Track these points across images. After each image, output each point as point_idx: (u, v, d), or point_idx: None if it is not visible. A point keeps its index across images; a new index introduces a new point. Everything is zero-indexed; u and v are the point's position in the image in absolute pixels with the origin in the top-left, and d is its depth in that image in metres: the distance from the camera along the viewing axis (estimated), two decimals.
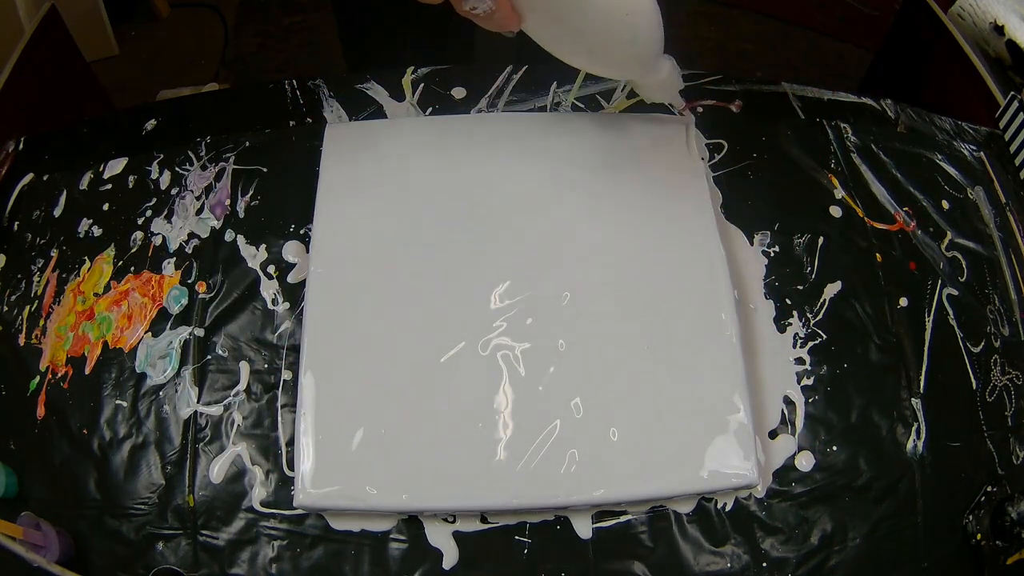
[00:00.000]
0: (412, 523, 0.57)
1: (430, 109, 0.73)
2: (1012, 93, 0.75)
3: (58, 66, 0.92)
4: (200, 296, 0.63)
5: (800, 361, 0.62)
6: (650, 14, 0.54)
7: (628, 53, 0.55)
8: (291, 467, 0.57)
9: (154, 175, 0.70)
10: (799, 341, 0.63)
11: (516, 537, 0.57)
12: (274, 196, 0.68)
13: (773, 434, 0.60)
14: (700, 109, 0.73)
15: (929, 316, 0.65)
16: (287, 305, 0.63)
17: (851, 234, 0.67)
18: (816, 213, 0.68)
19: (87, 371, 0.62)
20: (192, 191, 0.68)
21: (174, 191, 0.69)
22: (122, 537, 0.57)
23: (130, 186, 0.69)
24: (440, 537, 0.56)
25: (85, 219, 0.68)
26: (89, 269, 0.66)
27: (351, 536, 0.56)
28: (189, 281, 0.64)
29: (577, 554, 0.56)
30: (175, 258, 0.65)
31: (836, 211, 0.68)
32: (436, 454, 0.55)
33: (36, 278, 0.67)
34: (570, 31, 0.53)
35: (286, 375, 0.61)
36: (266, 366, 0.61)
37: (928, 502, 0.59)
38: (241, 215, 0.67)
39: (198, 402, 0.60)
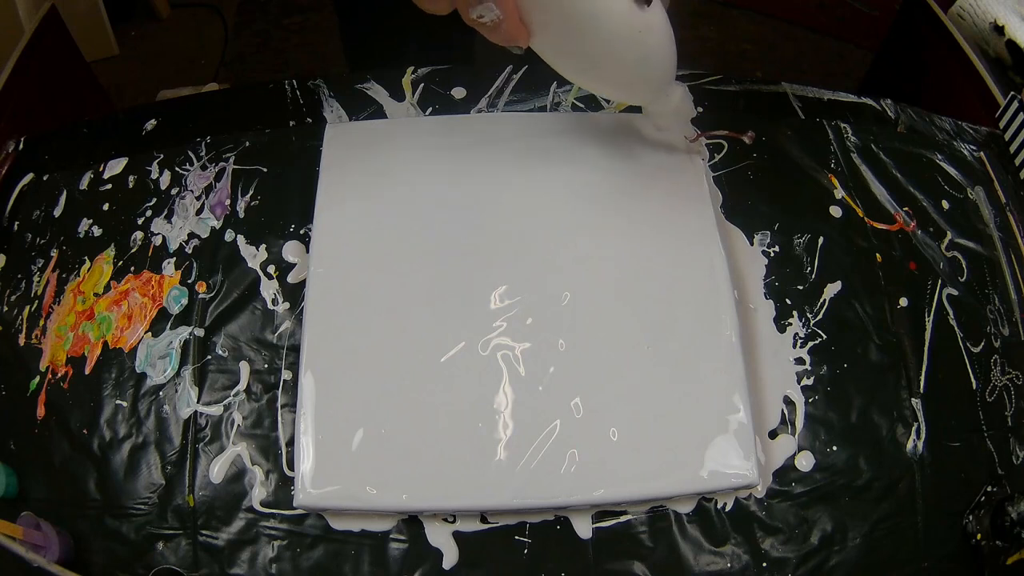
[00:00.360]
0: (412, 523, 0.57)
1: (430, 109, 0.73)
2: (1012, 93, 0.75)
3: (58, 66, 0.92)
4: (200, 296, 0.64)
5: (800, 361, 0.62)
6: (663, 35, 0.52)
7: (638, 75, 0.54)
8: (291, 467, 0.57)
9: (154, 175, 0.70)
10: (799, 341, 0.63)
11: (516, 537, 0.57)
12: (274, 196, 0.68)
13: (773, 434, 0.60)
14: (700, 109, 0.73)
15: (929, 316, 0.65)
16: (287, 305, 0.63)
17: (851, 234, 0.67)
18: (816, 213, 0.68)
19: (87, 371, 0.62)
20: (192, 191, 0.68)
21: (174, 191, 0.69)
22: (122, 537, 0.57)
23: (130, 186, 0.69)
24: (440, 537, 0.56)
25: (85, 219, 0.68)
26: (89, 269, 0.66)
27: (351, 536, 0.56)
28: (189, 281, 0.64)
29: (577, 554, 0.56)
30: (175, 258, 0.65)
31: (836, 211, 0.68)
32: (436, 454, 0.55)
33: (36, 278, 0.67)
34: (580, 48, 0.52)
35: (286, 375, 0.61)
36: (266, 366, 0.61)
37: (928, 502, 0.59)
38: (241, 215, 0.67)
39: (198, 402, 0.60)
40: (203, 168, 0.69)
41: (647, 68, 0.54)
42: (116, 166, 0.71)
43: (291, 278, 0.64)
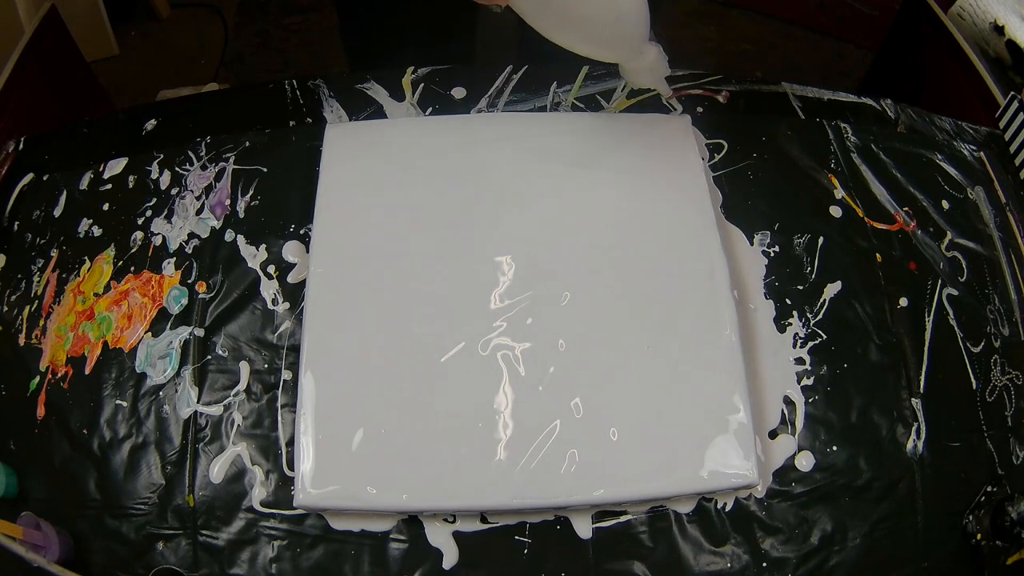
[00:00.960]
0: (412, 523, 0.57)
1: (430, 109, 0.73)
2: (1012, 93, 0.75)
3: (58, 66, 0.92)
4: (200, 296, 0.63)
5: (800, 361, 0.62)
6: None
7: (613, 32, 0.57)
8: (291, 467, 0.57)
9: (154, 175, 0.70)
10: (799, 341, 0.63)
11: (516, 537, 0.57)
12: (274, 196, 0.68)
13: (773, 434, 0.60)
14: (700, 109, 0.73)
15: (929, 316, 0.65)
16: (287, 305, 0.63)
17: (851, 234, 0.67)
18: (816, 213, 0.68)
19: (87, 371, 0.62)
20: (192, 191, 0.68)
21: (174, 191, 0.68)
22: (122, 537, 0.57)
23: (130, 186, 0.69)
24: (440, 537, 0.56)
25: (85, 219, 0.68)
26: (89, 269, 0.66)
27: (351, 536, 0.56)
28: (189, 281, 0.64)
29: (577, 554, 0.56)
30: (175, 258, 0.65)
31: (836, 211, 0.68)
32: (436, 454, 0.55)
33: (36, 278, 0.67)
34: (557, 6, 0.54)
35: (286, 375, 0.61)
36: (266, 366, 0.61)
37: (928, 502, 0.59)
38: (241, 215, 0.67)
39: (198, 402, 0.60)
40: (203, 168, 0.69)
41: (622, 27, 0.56)
42: (116, 166, 0.71)
43: (291, 278, 0.64)
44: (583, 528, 0.57)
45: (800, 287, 0.65)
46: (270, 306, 0.63)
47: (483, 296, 0.60)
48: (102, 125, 0.75)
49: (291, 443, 0.58)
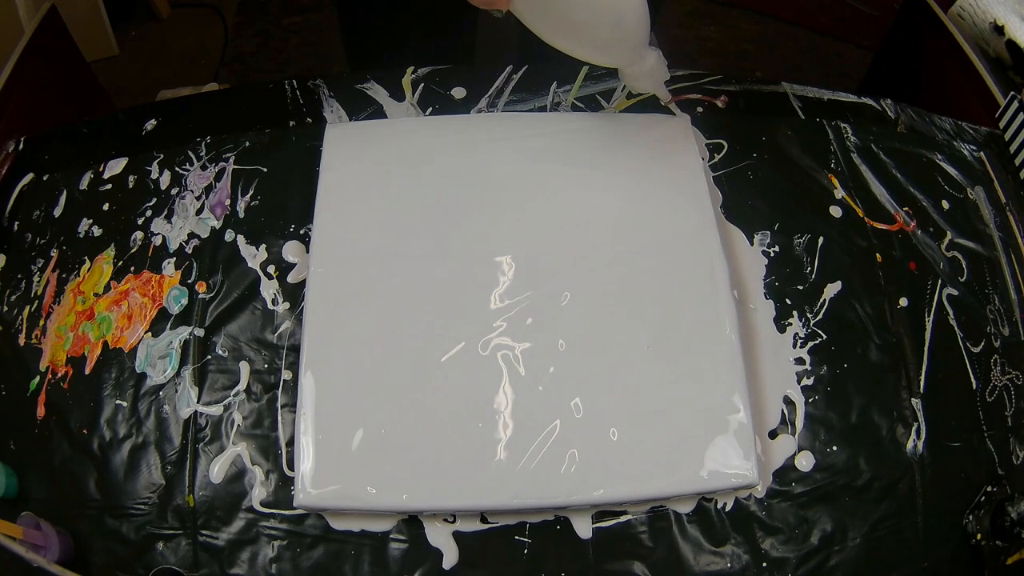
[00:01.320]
0: (412, 523, 0.57)
1: (430, 109, 0.73)
2: (1012, 93, 0.75)
3: (58, 66, 0.92)
4: (200, 296, 0.63)
5: (800, 361, 0.62)
6: (636, 1, 0.55)
7: (613, 37, 0.57)
8: (291, 467, 0.57)
9: (154, 175, 0.70)
10: (799, 341, 0.63)
11: (516, 537, 0.57)
12: (274, 196, 0.68)
13: (773, 434, 0.60)
14: (700, 109, 0.73)
15: (929, 316, 0.65)
16: (287, 305, 0.63)
17: (851, 234, 0.67)
18: (816, 213, 0.68)
19: (87, 371, 0.62)
20: (192, 191, 0.68)
21: (174, 191, 0.69)
22: (122, 537, 0.57)
23: (130, 186, 0.69)
24: (440, 537, 0.56)
25: (85, 219, 0.68)
26: (89, 269, 0.66)
27: (351, 536, 0.56)
28: (189, 281, 0.64)
29: (577, 554, 0.56)
30: (175, 258, 0.65)
31: (836, 211, 0.68)
32: (436, 454, 0.56)
33: (36, 278, 0.67)
34: (557, 11, 0.54)
35: (286, 375, 0.61)
36: (266, 366, 0.61)
37: (928, 502, 0.59)
38: (241, 215, 0.67)
39: (198, 402, 0.60)
40: (203, 168, 0.69)
41: (622, 31, 0.56)
42: (116, 166, 0.71)
43: (291, 278, 0.64)
44: (583, 528, 0.57)
45: (800, 287, 0.65)
46: (270, 306, 0.63)
47: (483, 296, 0.60)
48: (102, 125, 0.75)
49: (291, 443, 0.58)
